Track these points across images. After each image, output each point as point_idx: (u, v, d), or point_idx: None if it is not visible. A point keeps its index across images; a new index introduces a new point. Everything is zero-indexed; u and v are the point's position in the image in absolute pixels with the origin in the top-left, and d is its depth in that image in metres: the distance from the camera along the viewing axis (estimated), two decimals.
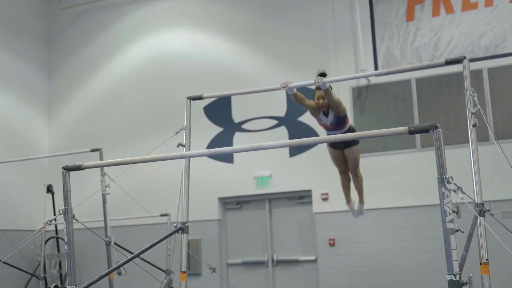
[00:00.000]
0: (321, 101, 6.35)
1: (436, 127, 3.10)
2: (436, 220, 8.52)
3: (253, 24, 10.86)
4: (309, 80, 7.05)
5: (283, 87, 5.77)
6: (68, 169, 3.88)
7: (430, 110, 9.50)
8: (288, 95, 10.27)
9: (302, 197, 10.21)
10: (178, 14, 11.51)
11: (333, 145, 6.88)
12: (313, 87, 6.22)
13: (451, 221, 3.07)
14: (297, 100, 6.28)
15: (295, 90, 6.07)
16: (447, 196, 3.08)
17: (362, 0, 10.06)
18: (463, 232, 3.23)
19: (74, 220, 3.79)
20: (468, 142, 4.77)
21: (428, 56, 9.56)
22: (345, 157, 6.95)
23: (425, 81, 9.54)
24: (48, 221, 3.82)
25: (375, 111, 9.81)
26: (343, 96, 9.93)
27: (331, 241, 9.69)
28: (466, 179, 4.56)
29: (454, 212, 3.09)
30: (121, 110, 11.62)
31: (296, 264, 10.12)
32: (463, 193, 3.17)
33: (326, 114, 6.49)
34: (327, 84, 6.04)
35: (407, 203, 9.35)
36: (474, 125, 4.74)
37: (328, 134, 6.68)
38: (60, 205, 10.98)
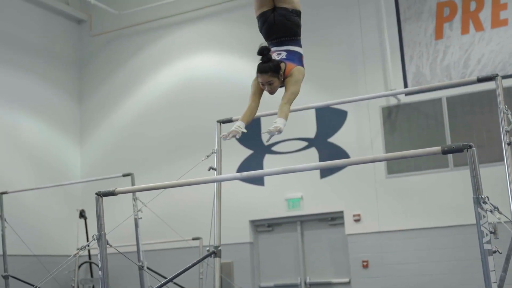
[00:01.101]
0: (267, 87, 4.58)
1: (470, 147, 3.06)
2: (471, 240, 8.37)
3: None
4: (338, 99, 7.03)
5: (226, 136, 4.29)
6: (101, 194, 3.90)
7: (462, 129, 9.38)
8: (317, 117, 10.26)
9: (334, 219, 10.12)
10: (205, 38, 11.61)
11: None
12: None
13: (488, 242, 3.01)
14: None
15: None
16: (484, 217, 3.03)
17: (390, 19, 10.03)
18: (501, 253, 3.15)
19: (107, 245, 3.81)
20: (503, 160, 4.70)
21: (458, 74, 9.46)
22: None
23: (456, 100, 9.44)
24: (82, 247, 3.84)
25: (406, 131, 9.72)
26: (373, 115, 9.88)
27: (364, 263, 9.58)
28: (502, 198, 4.48)
29: (491, 232, 3.03)
30: (151, 135, 11.71)
31: (329, 286, 10.01)
32: (500, 213, 3.11)
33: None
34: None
35: (441, 223, 9.20)
36: (509, 143, 4.67)
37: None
38: (92, 229, 11.06)
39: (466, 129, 9.36)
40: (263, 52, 4.42)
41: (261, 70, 4.46)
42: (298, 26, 4.63)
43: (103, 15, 12.58)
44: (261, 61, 4.42)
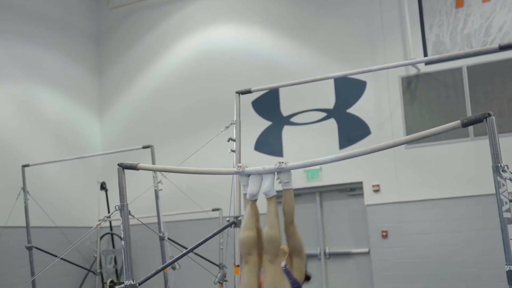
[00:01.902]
0: None
1: (489, 115, 3.04)
2: (490, 210, 8.36)
3: (298, 18, 10.81)
4: (358, 68, 7.00)
5: (237, 170, 4.40)
6: (123, 166, 3.94)
7: (483, 98, 9.29)
8: (336, 87, 10.21)
9: (353, 189, 10.13)
10: (223, 9, 11.56)
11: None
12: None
13: (508, 210, 3.01)
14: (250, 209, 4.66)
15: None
16: (503, 185, 3.02)
17: None
18: None
19: (129, 216, 3.86)
20: None
21: (479, 43, 9.33)
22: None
23: (476, 69, 9.33)
24: (105, 217, 3.90)
25: (426, 101, 9.65)
26: (392, 85, 9.82)
27: (384, 233, 9.61)
28: None
29: (510, 201, 3.02)
30: (171, 106, 11.76)
31: (348, 256, 10.07)
32: None
33: None
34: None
35: (460, 193, 9.17)
36: None
37: None
38: (113, 201, 11.18)
39: (486, 98, 9.26)
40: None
41: None
42: None
43: None
44: None
